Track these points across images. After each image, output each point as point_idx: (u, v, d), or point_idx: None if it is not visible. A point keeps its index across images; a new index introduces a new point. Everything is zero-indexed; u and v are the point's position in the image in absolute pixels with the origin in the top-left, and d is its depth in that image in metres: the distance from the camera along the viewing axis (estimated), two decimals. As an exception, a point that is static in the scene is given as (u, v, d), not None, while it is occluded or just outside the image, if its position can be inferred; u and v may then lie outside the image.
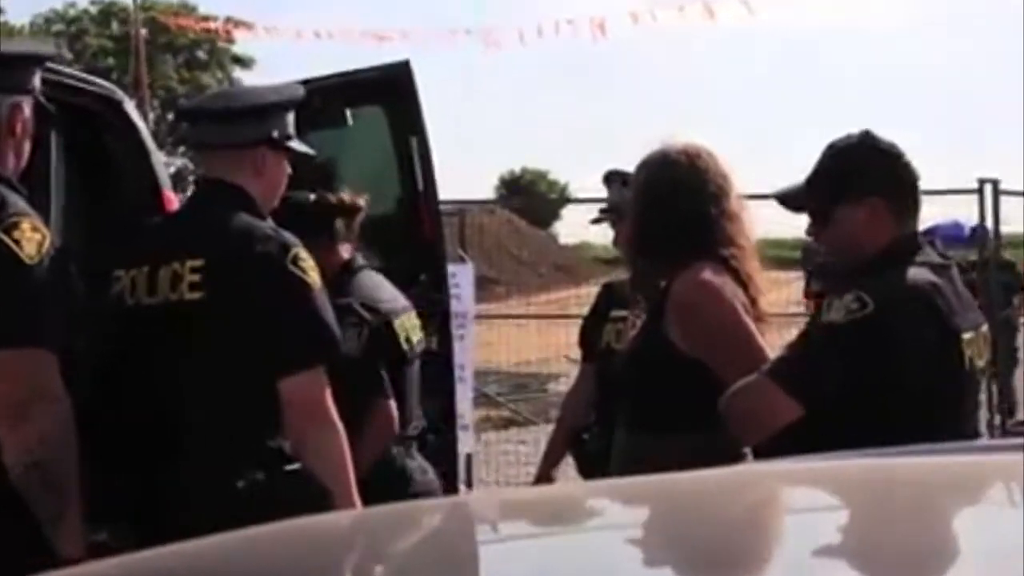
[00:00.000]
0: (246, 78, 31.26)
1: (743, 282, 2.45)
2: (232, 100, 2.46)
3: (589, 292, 8.83)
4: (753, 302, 2.46)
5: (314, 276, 2.25)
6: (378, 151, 3.81)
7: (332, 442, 2.18)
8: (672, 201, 2.47)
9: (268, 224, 2.31)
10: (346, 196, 3.10)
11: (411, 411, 3.07)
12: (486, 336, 8.44)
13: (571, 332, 7.06)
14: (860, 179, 2.22)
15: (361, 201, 3.13)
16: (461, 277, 5.55)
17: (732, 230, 2.48)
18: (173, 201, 3.13)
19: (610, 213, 3.40)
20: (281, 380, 2.18)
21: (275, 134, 2.37)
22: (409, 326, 3.09)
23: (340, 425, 2.21)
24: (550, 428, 7.61)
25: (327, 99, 3.37)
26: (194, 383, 2.22)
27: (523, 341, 9.25)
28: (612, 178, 3.41)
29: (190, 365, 2.22)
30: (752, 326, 2.42)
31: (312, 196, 3.04)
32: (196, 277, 2.21)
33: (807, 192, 2.29)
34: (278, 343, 2.20)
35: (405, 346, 3.04)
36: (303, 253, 2.25)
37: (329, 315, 2.26)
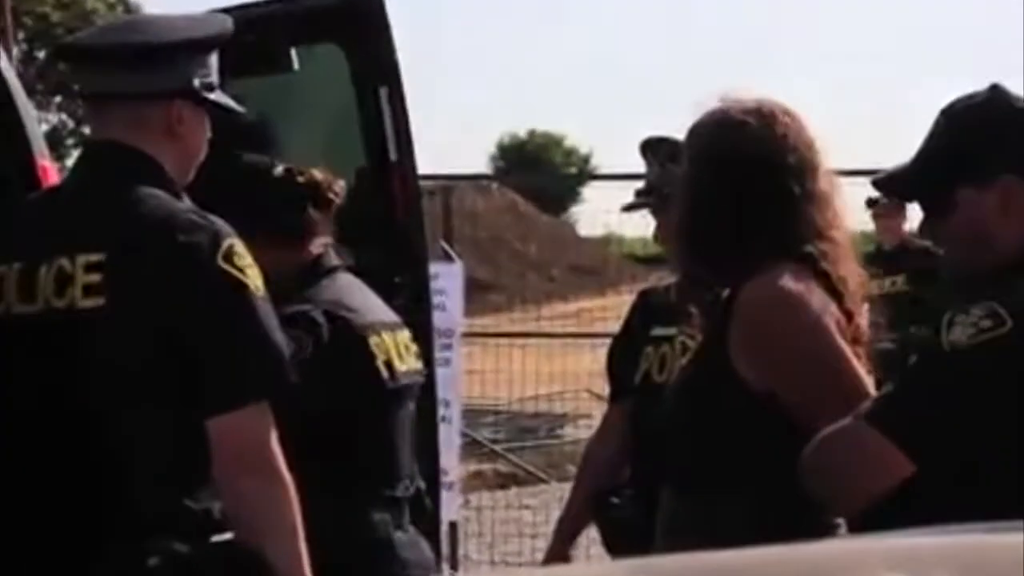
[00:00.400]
0: (148, 5, 31.36)
1: (836, 290, 2.46)
2: (134, 34, 2.46)
3: (619, 303, 8.87)
4: (849, 317, 2.47)
5: (254, 277, 2.26)
6: (334, 106, 3.84)
7: (277, 501, 2.20)
8: (738, 179, 2.48)
9: (188, 205, 2.32)
10: (321, 175, 3.06)
11: (400, 465, 3.05)
12: (479, 362, 8.48)
13: (596, 357, 7.09)
14: (988, 152, 2.23)
15: (340, 186, 3.10)
16: (446, 280, 5.59)
17: (821, 219, 2.48)
18: (51, 172, 3.15)
19: (650, 196, 3.42)
20: (210, 420, 2.20)
21: (194, 82, 2.39)
22: (393, 347, 3.03)
23: (288, 479, 2.22)
24: (565, 488, 7.61)
25: (265, 34, 3.40)
26: (87, 423, 2.23)
27: (529, 369, 9.28)
28: (653, 148, 3.43)
29: (82, 398, 2.23)
30: (848, 351, 2.42)
31: (280, 168, 3.03)
32: (93, 277, 2.23)
33: (916, 172, 2.29)
34: (206, 370, 2.22)
35: (384, 372, 2.99)
36: (239, 246, 2.27)
37: (275, 331, 2.27)
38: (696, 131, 2.56)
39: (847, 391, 2.31)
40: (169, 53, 2.38)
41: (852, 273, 2.50)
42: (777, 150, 2.48)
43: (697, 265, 2.59)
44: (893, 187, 2.40)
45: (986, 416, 2.08)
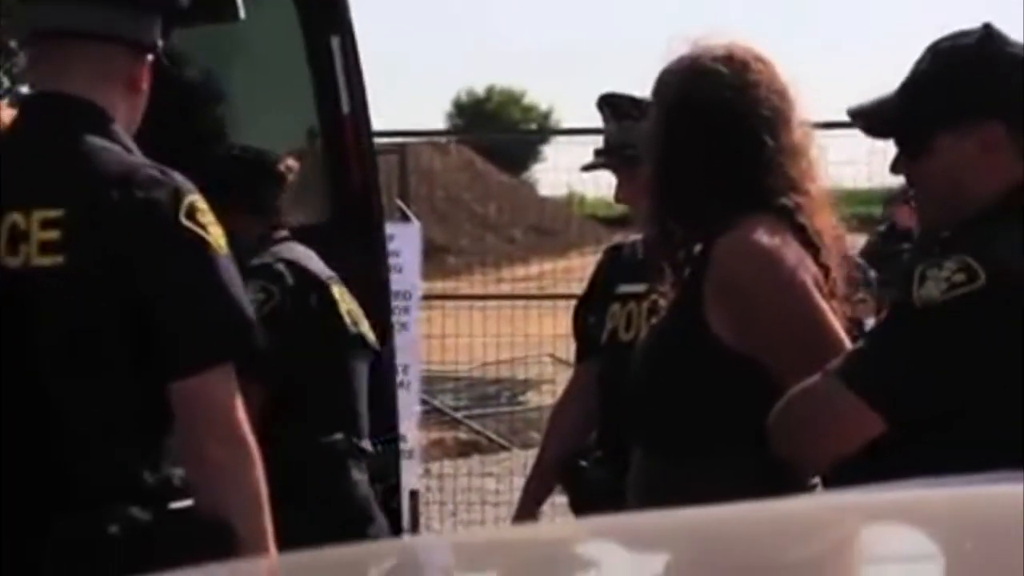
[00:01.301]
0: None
1: (812, 244, 2.44)
2: None
3: (582, 264, 8.88)
4: (826, 272, 2.45)
5: (216, 235, 2.24)
6: (283, 58, 3.80)
7: (242, 467, 2.18)
8: (709, 130, 2.46)
9: (147, 160, 2.28)
10: (271, 156, 3.29)
11: (362, 422, 3.27)
12: (437, 326, 8.46)
13: (558, 320, 7.09)
14: (973, 95, 2.20)
15: (290, 164, 3.26)
16: (402, 241, 5.56)
17: (795, 170, 2.47)
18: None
19: (610, 155, 3.39)
20: (174, 383, 2.18)
21: (158, 40, 2.36)
22: (351, 303, 3.26)
23: (253, 443, 2.21)
24: (528, 455, 7.63)
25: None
26: (43, 386, 2.20)
27: (489, 333, 9.27)
28: (612, 104, 3.40)
29: (38, 360, 2.20)
30: (825, 306, 2.40)
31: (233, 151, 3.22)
32: (51, 234, 2.18)
33: (895, 108, 2.26)
34: (169, 331, 2.19)
35: (348, 320, 3.23)
36: (201, 203, 2.24)
37: (239, 289, 2.25)
38: (665, 79, 2.53)
39: (825, 347, 2.30)
40: (149, 3, 2.34)
41: (827, 227, 2.48)
42: (749, 99, 2.45)
43: (668, 219, 2.56)
44: (869, 123, 2.35)
45: (958, 373, 2.07)
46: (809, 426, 2.17)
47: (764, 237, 2.40)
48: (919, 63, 2.26)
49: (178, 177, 2.25)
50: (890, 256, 9.17)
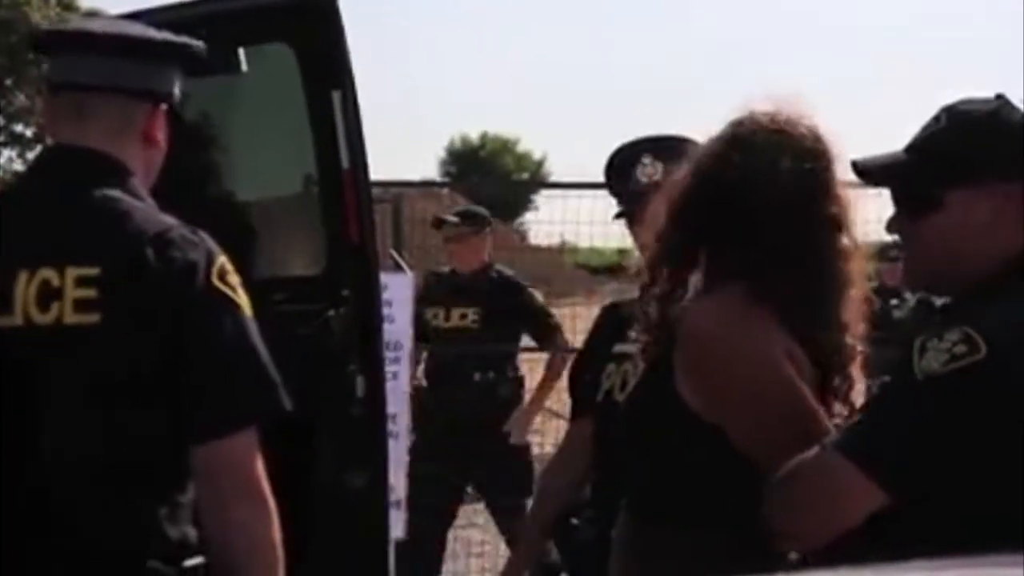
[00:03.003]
0: (84, 1, 31.05)
1: (793, 313, 2.37)
2: (131, 28, 2.42)
3: (572, 315, 8.84)
4: (808, 342, 2.38)
5: (244, 296, 2.24)
6: (284, 109, 3.81)
7: (262, 525, 2.18)
8: (719, 205, 2.40)
9: (176, 220, 2.27)
10: None
11: None
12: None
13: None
14: (991, 155, 2.17)
15: None
16: (396, 291, 5.55)
17: (795, 245, 2.37)
18: None
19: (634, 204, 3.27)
20: (201, 445, 2.18)
21: (176, 92, 2.37)
22: None
23: (272, 500, 2.21)
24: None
25: (211, 33, 3.36)
26: (72, 447, 2.17)
27: (479, 382, 9.21)
28: (662, 148, 3.19)
29: (65, 419, 2.17)
30: (796, 380, 2.33)
31: None
32: (88, 293, 2.16)
33: (907, 164, 2.23)
34: (200, 393, 2.18)
35: None
36: (228, 264, 2.24)
37: (265, 350, 2.23)
38: (705, 145, 2.48)
39: (794, 423, 2.26)
40: (166, 53, 2.36)
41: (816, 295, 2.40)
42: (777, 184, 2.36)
43: (662, 274, 2.51)
44: (878, 176, 2.29)
45: (962, 446, 2.03)
46: (810, 501, 2.13)
47: (733, 309, 2.35)
48: (932, 123, 2.24)
49: (207, 238, 2.25)
50: (876, 314, 9.19)
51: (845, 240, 2.42)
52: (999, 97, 2.23)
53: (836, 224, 2.41)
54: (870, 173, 2.30)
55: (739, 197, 2.40)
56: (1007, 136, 2.19)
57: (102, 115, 2.32)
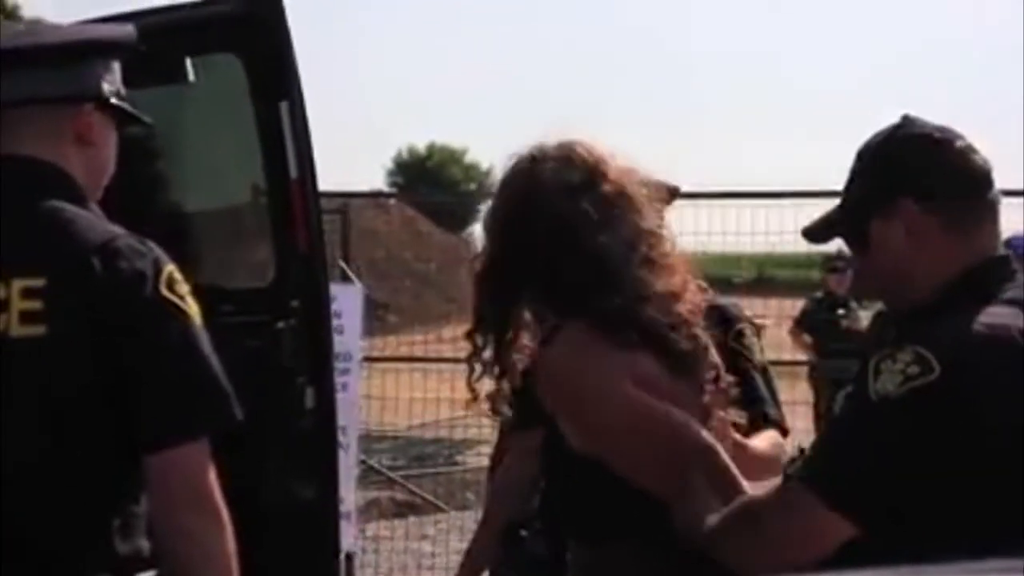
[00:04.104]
0: (27, 8, 30.86)
1: (643, 335, 2.41)
2: (44, 36, 2.39)
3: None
4: (669, 355, 2.41)
5: (193, 305, 2.22)
6: (232, 120, 3.79)
7: (214, 536, 2.17)
8: (540, 237, 2.42)
9: (120, 228, 2.25)
10: None
11: None
12: (375, 386, 8.42)
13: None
14: (890, 179, 2.20)
15: None
16: (345, 302, 5.55)
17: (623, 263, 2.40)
18: None
19: None
20: (153, 455, 2.16)
21: (104, 87, 2.33)
22: None
23: (225, 511, 2.19)
24: (466, 517, 7.55)
25: (158, 43, 3.34)
26: (18, 459, 2.15)
27: (427, 393, 9.23)
28: None
29: (11, 432, 2.15)
30: (648, 401, 2.37)
31: None
32: (34, 304, 2.14)
33: (836, 212, 2.28)
34: (150, 403, 2.17)
35: None
36: (177, 273, 2.22)
37: (215, 360, 2.22)
38: (503, 181, 2.52)
39: (663, 444, 2.35)
40: (83, 54, 2.32)
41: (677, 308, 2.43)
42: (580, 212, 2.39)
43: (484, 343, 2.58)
44: (816, 235, 2.34)
45: (918, 466, 2.02)
46: (779, 541, 2.12)
47: (574, 350, 2.40)
48: (851, 167, 2.28)
49: (155, 247, 2.23)
50: (824, 323, 9.32)
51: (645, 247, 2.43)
52: (902, 118, 2.25)
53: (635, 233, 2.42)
54: (813, 234, 2.35)
55: (532, 245, 2.42)
56: (901, 155, 2.22)
57: (31, 125, 2.29)
